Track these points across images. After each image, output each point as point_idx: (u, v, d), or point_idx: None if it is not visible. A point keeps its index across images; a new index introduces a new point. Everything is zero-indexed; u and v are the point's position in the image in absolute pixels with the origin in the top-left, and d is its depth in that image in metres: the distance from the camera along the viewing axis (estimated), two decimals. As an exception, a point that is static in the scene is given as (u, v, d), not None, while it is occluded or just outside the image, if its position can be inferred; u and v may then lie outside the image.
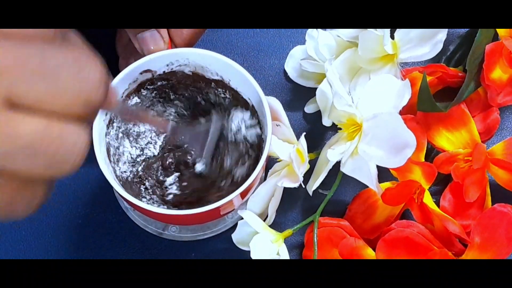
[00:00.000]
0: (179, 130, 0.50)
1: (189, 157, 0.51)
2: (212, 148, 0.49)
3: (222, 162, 0.50)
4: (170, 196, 0.50)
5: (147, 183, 0.51)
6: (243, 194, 0.46)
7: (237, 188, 0.44)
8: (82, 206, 0.53)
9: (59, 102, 0.28)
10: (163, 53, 0.47)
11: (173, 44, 0.49)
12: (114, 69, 0.50)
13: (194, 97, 0.52)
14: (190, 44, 0.49)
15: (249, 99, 0.49)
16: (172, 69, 0.49)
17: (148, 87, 0.50)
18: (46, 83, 0.28)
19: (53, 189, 0.31)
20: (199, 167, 0.49)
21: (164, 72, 0.49)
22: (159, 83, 0.50)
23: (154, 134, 0.52)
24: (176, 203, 0.50)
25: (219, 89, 0.50)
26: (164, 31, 0.47)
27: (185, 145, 0.51)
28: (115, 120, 0.49)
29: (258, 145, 0.49)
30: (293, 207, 0.54)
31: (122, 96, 0.48)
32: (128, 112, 0.44)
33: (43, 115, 0.28)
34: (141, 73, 0.48)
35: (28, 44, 0.28)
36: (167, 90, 0.51)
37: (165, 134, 0.52)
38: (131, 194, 0.45)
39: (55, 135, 0.28)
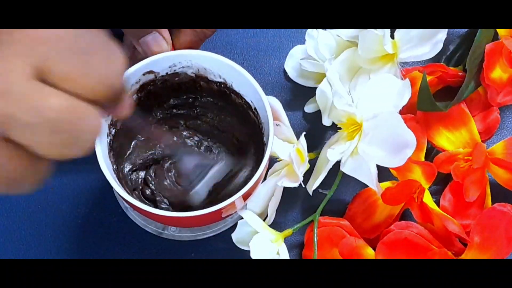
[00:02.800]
0: (184, 155, 0.49)
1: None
2: (208, 186, 0.49)
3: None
4: (171, 196, 0.50)
5: (148, 184, 0.51)
6: (245, 196, 0.46)
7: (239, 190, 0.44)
8: (82, 206, 0.53)
9: (86, 82, 0.29)
10: (166, 54, 0.47)
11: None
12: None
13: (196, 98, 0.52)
14: (191, 48, 0.49)
15: (251, 101, 0.49)
16: (175, 70, 0.49)
17: (151, 88, 0.50)
18: (78, 62, 0.29)
19: (54, 169, 0.31)
20: (191, 198, 0.48)
21: (167, 73, 0.49)
22: (161, 85, 0.50)
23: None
24: (176, 203, 0.50)
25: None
26: (166, 33, 0.48)
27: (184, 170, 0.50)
28: (117, 120, 0.49)
29: (259, 147, 0.49)
30: (293, 207, 0.54)
31: None
32: (137, 124, 0.42)
33: (69, 93, 0.29)
34: (143, 74, 0.48)
35: None
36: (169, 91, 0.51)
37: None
38: (131, 195, 0.45)
39: (78, 114, 0.29)
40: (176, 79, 0.50)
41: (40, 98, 0.28)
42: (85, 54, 0.29)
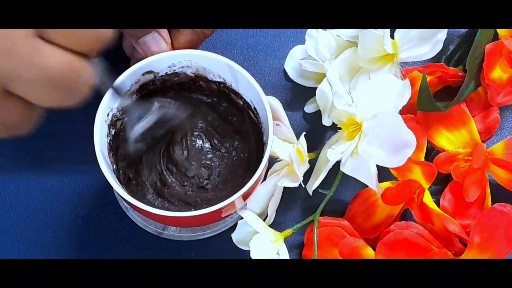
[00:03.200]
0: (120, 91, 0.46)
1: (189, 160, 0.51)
2: (142, 129, 0.46)
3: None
4: (171, 196, 0.50)
5: (148, 183, 0.51)
6: (245, 196, 0.46)
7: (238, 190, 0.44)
8: (82, 206, 0.53)
9: (81, 38, 0.31)
10: (165, 54, 0.47)
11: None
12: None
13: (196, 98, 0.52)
14: (190, 49, 0.49)
15: (251, 101, 0.49)
16: (174, 70, 0.49)
17: (150, 88, 0.50)
18: None
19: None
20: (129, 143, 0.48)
21: (166, 73, 0.49)
22: (161, 85, 0.50)
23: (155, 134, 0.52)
24: (177, 203, 0.50)
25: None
26: (165, 33, 0.48)
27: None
28: (117, 120, 0.49)
29: (259, 146, 0.49)
30: (293, 207, 0.54)
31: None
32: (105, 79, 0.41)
33: (67, 50, 0.31)
34: (143, 74, 0.48)
35: None
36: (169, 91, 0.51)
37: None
38: (131, 195, 0.45)
39: (75, 71, 0.31)
40: (176, 79, 0.50)
41: (40, 57, 0.30)
42: None
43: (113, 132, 0.49)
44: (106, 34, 0.32)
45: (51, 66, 0.30)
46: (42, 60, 0.30)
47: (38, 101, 0.31)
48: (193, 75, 0.50)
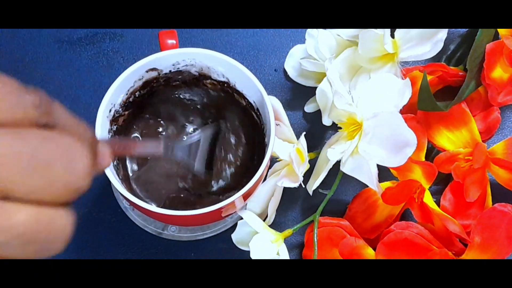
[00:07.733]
0: (172, 147, 0.45)
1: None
2: (204, 156, 0.48)
3: (221, 166, 0.50)
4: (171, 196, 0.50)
5: (148, 182, 0.51)
6: (245, 196, 0.46)
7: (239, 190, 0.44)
8: (82, 206, 0.53)
9: (50, 192, 0.29)
10: (170, 52, 0.47)
11: None
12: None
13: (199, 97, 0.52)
14: None
15: (254, 102, 0.49)
16: (178, 68, 0.49)
17: (154, 85, 0.50)
18: (38, 176, 0.28)
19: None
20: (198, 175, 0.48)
21: (170, 71, 0.49)
22: (164, 82, 0.50)
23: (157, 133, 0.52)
24: (175, 203, 0.50)
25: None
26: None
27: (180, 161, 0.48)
28: (119, 116, 0.49)
29: (260, 147, 0.49)
30: (293, 207, 0.53)
31: (126, 93, 0.48)
32: (116, 149, 0.36)
33: (34, 204, 0.29)
34: (147, 71, 0.48)
35: (19, 135, 0.28)
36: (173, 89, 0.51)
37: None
38: (132, 193, 0.45)
39: (46, 223, 0.29)
40: (179, 77, 0.50)
41: (5, 218, 0.28)
42: (46, 165, 0.29)
43: (114, 128, 0.48)
44: (79, 183, 0.29)
45: (20, 224, 0.28)
46: (9, 221, 0.28)
47: (13, 257, 0.29)
48: (197, 73, 0.50)
